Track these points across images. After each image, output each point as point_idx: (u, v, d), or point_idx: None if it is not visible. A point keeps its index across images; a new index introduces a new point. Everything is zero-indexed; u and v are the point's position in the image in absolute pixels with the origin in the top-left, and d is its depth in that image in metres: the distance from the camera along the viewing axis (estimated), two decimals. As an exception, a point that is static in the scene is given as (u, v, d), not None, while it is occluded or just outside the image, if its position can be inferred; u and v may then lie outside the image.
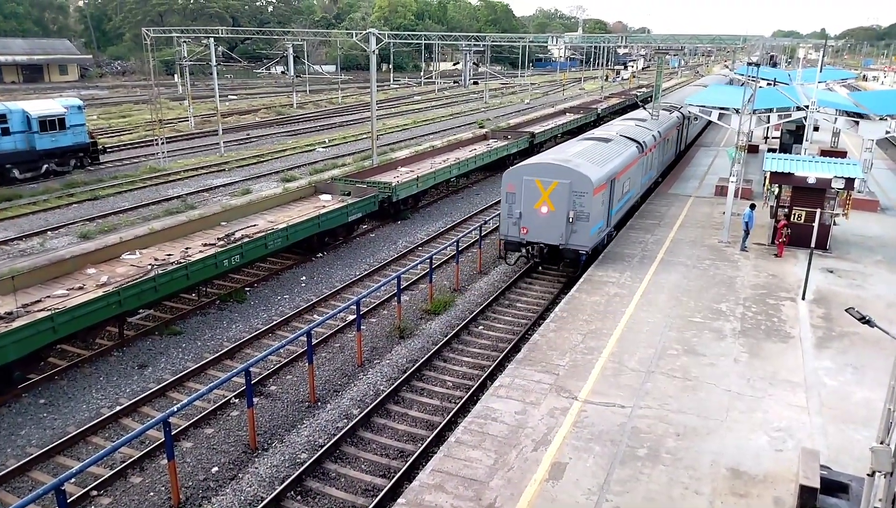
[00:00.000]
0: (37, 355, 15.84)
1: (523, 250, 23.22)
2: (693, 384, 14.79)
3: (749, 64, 29.82)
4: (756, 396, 14.33)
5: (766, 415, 13.59)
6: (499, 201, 33.93)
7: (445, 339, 18.42)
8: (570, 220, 21.91)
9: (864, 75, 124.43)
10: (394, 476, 12.71)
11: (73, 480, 11.52)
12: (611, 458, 12.10)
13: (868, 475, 8.15)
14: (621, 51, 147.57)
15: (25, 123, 35.17)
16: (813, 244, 20.35)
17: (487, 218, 27.21)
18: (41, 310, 16.25)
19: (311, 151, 47.45)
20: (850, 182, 22.81)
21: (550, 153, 25.40)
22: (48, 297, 17.13)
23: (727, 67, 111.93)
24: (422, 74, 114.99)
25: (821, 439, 12.82)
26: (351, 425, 14.30)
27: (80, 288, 17.75)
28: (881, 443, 7.84)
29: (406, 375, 16.46)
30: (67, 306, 16.06)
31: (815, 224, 21.21)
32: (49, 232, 27.34)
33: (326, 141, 51.37)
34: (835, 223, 24.55)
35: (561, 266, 23.58)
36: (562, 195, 21.78)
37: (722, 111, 32.52)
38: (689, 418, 13.45)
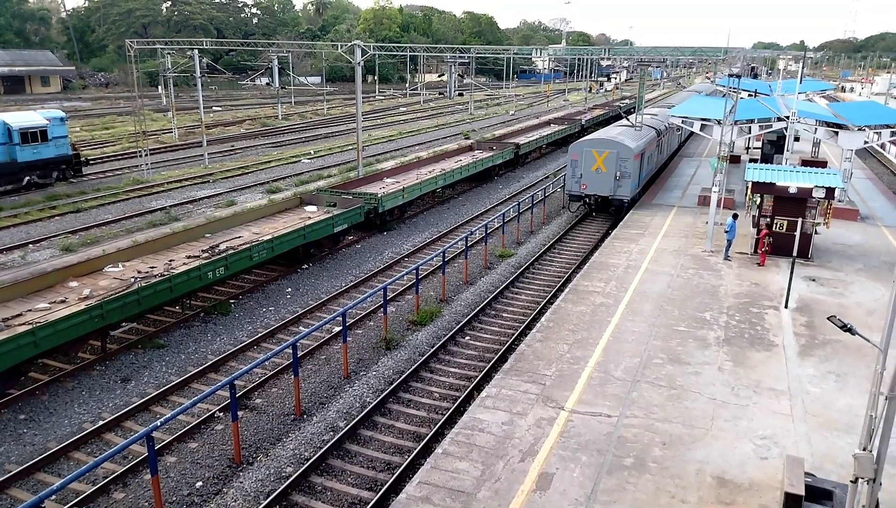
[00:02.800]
0: (17, 369, 15.61)
1: (582, 201, 33.11)
2: (678, 392, 14.87)
3: (730, 75, 30.24)
4: (741, 404, 14.42)
5: (750, 423, 13.68)
6: (485, 212, 34.27)
7: (432, 350, 18.39)
8: (617, 178, 31.10)
9: (843, 86, 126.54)
10: (380, 489, 12.63)
11: (53, 497, 11.32)
12: (597, 468, 12.11)
13: (851, 481, 8.23)
14: (605, 63, 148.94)
15: (6, 135, 34.79)
16: (795, 253, 20.58)
17: (474, 228, 27.26)
18: (22, 324, 16.03)
19: (296, 162, 47.37)
20: (830, 192, 23.14)
21: (601, 133, 35.46)
22: (29, 310, 16.91)
23: (708, 78, 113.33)
24: (407, 85, 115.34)
25: (805, 446, 12.93)
26: (337, 437, 14.21)
27: (63, 301, 17.54)
28: (864, 450, 7.92)
29: (393, 386, 16.40)
30: (49, 320, 15.85)
31: (797, 233, 21.47)
32: (30, 245, 27.02)
33: (312, 152, 51.31)
34: (816, 232, 24.85)
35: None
36: (612, 160, 30.85)
37: (704, 122, 32.90)
38: (675, 426, 13.51)
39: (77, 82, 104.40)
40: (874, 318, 19.21)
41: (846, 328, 9.60)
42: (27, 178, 36.00)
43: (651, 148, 35.48)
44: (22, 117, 36.55)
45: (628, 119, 38.28)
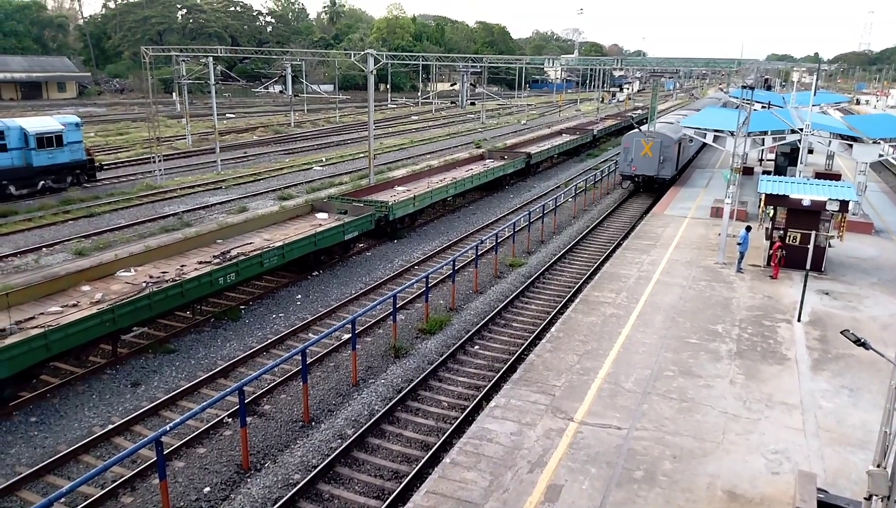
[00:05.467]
0: (29, 372, 15.71)
1: (632, 180, 41.28)
2: (689, 405, 14.74)
3: (744, 87, 30.15)
4: (752, 418, 14.28)
5: (762, 437, 13.54)
6: (496, 221, 34.27)
7: (441, 359, 18.34)
8: (661, 161, 39.07)
9: (857, 99, 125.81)
10: (388, 498, 12.58)
11: (63, 500, 11.37)
12: (607, 480, 12.01)
13: (865, 498, 8.13)
14: (617, 73, 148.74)
15: (23, 140, 35.16)
16: (808, 266, 20.40)
17: (484, 237, 27.23)
18: (35, 327, 16.15)
19: (308, 169, 47.57)
20: (844, 205, 22.95)
21: (657, 120, 44.97)
22: (42, 314, 17.04)
23: (721, 89, 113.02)
24: (419, 94, 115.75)
25: (817, 461, 12.77)
26: (345, 445, 14.19)
27: (75, 305, 17.66)
28: (878, 466, 7.82)
29: (401, 395, 16.37)
30: (61, 324, 15.97)
31: (810, 246, 21.28)
32: (44, 249, 27.24)
33: (324, 160, 51.53)
34: (829, 245, 24.65)
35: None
36: (657, 148, 38.95)
37: (717, 134, 32.78)
38: (686, 440, 13.39)
39: (92, 88, 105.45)
40: (888, 333, 19.02)
41: (860, 343, 9.51)
42: (42, 182, 36.35)
43: (686, 140, 42.55)
44: (38, 123, 36.95)
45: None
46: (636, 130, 40.59)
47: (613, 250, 28.48)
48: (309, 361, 17.03)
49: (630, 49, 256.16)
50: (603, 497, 11.53)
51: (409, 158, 53.28)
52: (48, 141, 36.03)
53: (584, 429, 13.67)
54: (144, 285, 19.27)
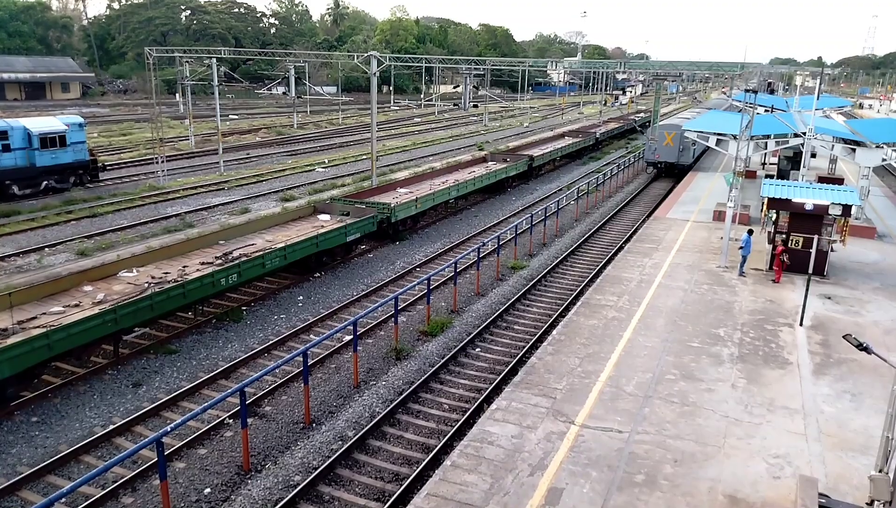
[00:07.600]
0: (31, 372, 15.73)
1: (656, 166, 48.54)
2: (691, 409, 14.71)
3: (747, 91, 30.12)
4: (754, 422, 14.25)
5: (764, 442, 13.50)
6: (498, 223, 34.28)
7: (442, 361, 18.34)
8: (680, 150, 45.97)
9: (860, 103, 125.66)
10: (388, 500, 12.57)
11: (63, 500, 11.37)
12: (608, 484, 11.99)
13: (867, 504, 8.10)
14: (620, 76, 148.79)
15: (26, 140, 35.25)
16: (810, 270, 20.37)
17: (486, 240, 27.22)
18: (37, 327, 16.17)
19: (310, 171, 47.63)
20: (847, 209, 22.90)
21: (670, 120, 51.19)
22: (44, 314, 17.06)
23: (724, 93, 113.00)
24: (422, 96, 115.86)
25: (819, 466, 12.73)
26: (346, 447, 14.18)
27: (77, 305, 17.68)
28: (880, 472, 7.80)
29: (402, 397, 16.36)
30: (63, 324, 15.98)
31: (813, 250, 21.27)
32: (46, 249, 27.30)
33: (326, 161, 51.59)
34: (832, 250, 24.60)
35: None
36: (677, 138, 45.11)
37: (720, 137, 32.75)
38: (687, 444, 13.36)
39: (96, 89, 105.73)
40: (891, 337, 18.97)
41: (862, 347, 9.50)
42: (45, 182, 36.43)
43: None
44: (42, 123, 37.03)
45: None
46: (660, 123, 47.24)
47: (615, 254, 28.45)
48: (310, 362, 17.02)
49: (633, 52, 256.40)
50: (604, 501, 11.50)
51: (412, 160, 53.32)
52: (51, 141, 36.11)
53: (586, 432, 13.65)
54: (146, 285, 19.29)
